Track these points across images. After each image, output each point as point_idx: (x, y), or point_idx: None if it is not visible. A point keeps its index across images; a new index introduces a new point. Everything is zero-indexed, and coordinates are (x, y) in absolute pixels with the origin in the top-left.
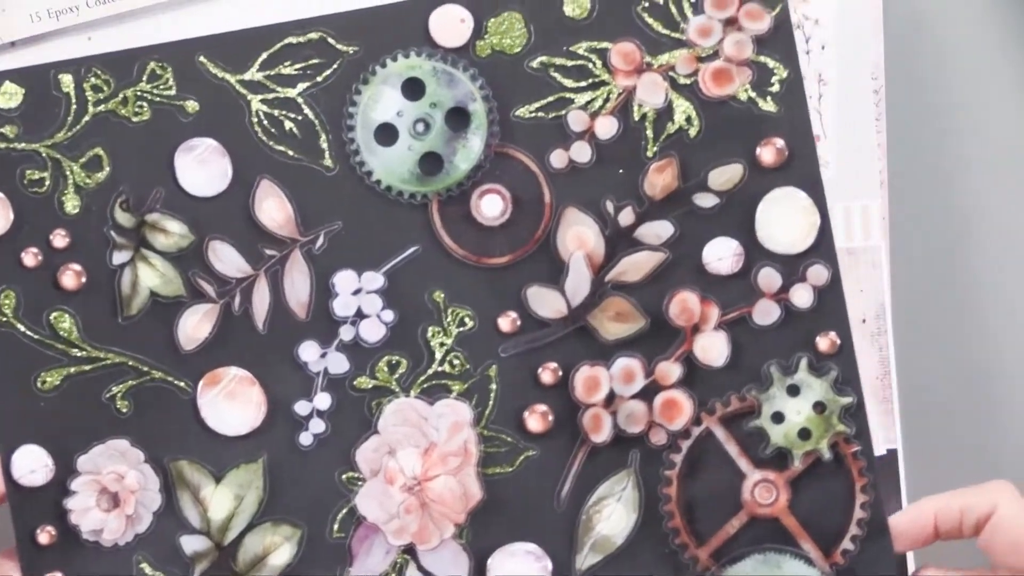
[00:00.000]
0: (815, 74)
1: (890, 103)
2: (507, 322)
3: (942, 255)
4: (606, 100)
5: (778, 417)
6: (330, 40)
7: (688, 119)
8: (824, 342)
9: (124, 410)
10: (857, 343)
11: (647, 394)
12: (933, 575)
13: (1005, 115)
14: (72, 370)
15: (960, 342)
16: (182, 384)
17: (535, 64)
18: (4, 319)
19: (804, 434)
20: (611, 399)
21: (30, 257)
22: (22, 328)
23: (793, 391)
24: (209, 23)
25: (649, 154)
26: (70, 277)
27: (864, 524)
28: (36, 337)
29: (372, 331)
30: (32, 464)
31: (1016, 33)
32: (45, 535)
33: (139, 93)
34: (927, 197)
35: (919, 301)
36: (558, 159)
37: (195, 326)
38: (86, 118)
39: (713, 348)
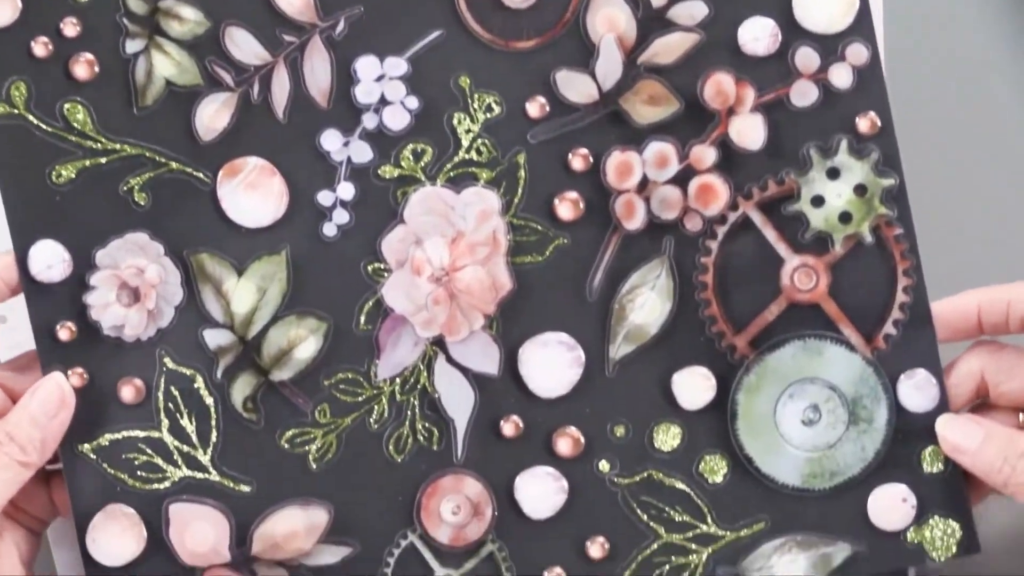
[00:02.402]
0: None
1: (890, 103)
2: (535, 107)
3: (942, 255)
4: None
5: (818, 200)
6: None
7: None
8: (864, 123)
9: (142, 203)
10: None
11: (681, 179)
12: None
13: (1005, 115)
14: (87, 163)
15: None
16: (201, 175)
17: None
18: (15, 111)
19: (845, 217)
20: (644, 184)
21: (40, 47)
22: (34, 120)
23: (833, 174)
24: None
25: None
26: (82, 67)
27: (907, 308)
28: (49, 129)
29: (396, 118)
30: (49, 259)
31: (1016, 33)
32: (65, 331)
33: None
34: (927, 197)
35: None
36: None
37: (213, 116)
38: None
39: (749, 131)
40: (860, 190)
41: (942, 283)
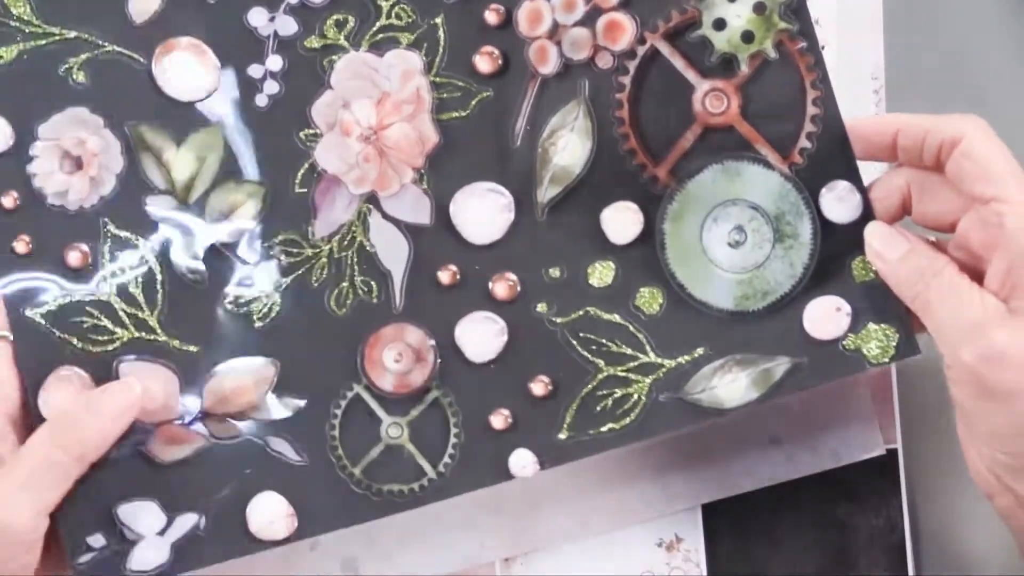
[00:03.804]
0: None
1: (890, 103)
2: None
3: None
4: None
5: (719, 23)
6: None
7: None
8: None
9: (82, 80)
10: None
11: (589, 20)
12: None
13: (1005, 115)
14: (27, 45)
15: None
16: (136, 56)
17: None
18: None
19: (747, 37)
20: (555, 30)
21: None
22: None
23: None
24: None
25: None
26: None
27: (819, 120)
28: None
29: None
30: None
31: (1016, 33)
32: (9, 199)
33: None
34: None
35: None
36: None
37: None
38: None
39: None
40: (759, 8)
41: None
